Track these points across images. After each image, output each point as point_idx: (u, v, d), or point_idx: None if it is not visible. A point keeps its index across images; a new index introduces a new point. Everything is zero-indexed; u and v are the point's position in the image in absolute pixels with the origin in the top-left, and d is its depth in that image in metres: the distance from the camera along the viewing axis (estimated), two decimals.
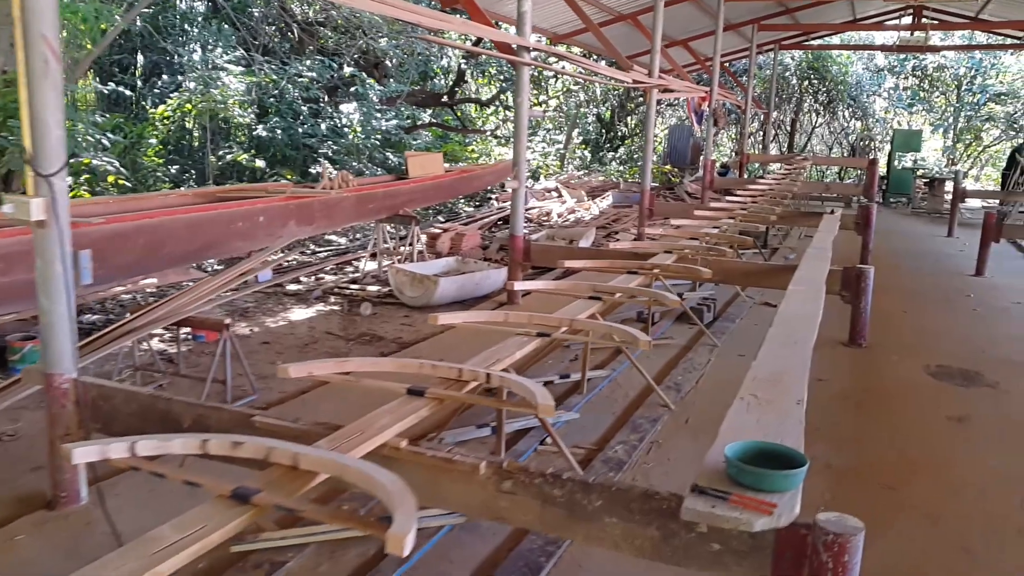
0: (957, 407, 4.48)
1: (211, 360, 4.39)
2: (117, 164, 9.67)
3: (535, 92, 22.19)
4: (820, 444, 3.84)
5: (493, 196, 13.75)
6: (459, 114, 20.95)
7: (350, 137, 13.75)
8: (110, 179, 9.82)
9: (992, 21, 15.42)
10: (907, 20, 15.95)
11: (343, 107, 13.76)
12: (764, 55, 20.33)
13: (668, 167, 21.24)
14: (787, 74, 23.69)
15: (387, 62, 16.89)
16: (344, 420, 2.53)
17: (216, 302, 5.55)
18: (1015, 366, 5.35)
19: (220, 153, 13.22)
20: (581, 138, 24.86)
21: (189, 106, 13.41)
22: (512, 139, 23.29)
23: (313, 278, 7.81)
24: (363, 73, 14.20)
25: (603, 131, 25.16)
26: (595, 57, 17.45)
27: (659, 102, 24.78)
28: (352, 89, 13.88)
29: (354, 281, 7.53)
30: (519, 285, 4.38)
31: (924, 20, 15.34)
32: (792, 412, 2.66)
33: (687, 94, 12.45)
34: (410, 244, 7.60)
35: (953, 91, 23.39)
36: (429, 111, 19.82)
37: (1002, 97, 22.15)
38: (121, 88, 12.06)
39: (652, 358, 5.28)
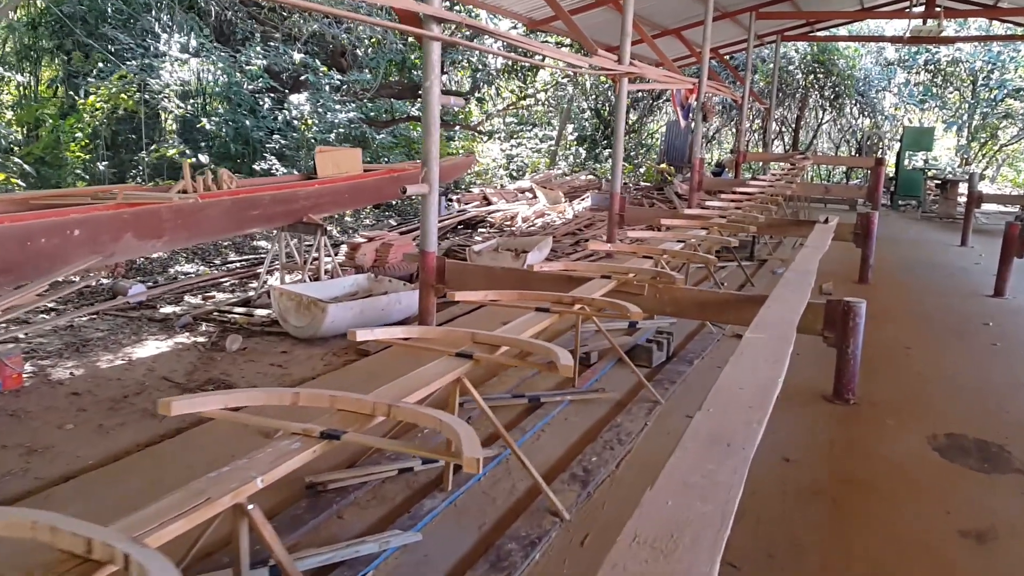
0: (975, 512, 3.19)
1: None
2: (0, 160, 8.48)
3: (520, 86, 20.89)
4: None
5: (455, 197, 12.46)
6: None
7: (302, 131, 12.50)
8: (0, 177, 8.63)
9: (1011, 9, 14.05)
10: (919, 9, 14.65)
11: (293, 98, 12.50)
12: (767, 47, 18.96)
13: (664, 165, 20.01)
14: (791, 67, 22.28)
15: (357, 51, 15.66)
16: None
17: (33, 328, 4.35)
18: None
19: (154, 147, 12.03)
20: (576, 134, 23.48)
21: (124, 96, 12.22)
22: (498, 134, 21.96)
23: (200, 297, 6.58)
24: (316, 61, 12.92)
25: (600, 127, 23.80)
26: (576, 47, 16.16)
27: (658, 96, 23.56)
28: (303, 78, 12.62)
29: (247, 302, 6.28)
30: (362, 334, 3.13)
31: (937, 7, 13.98)
32: None
33: (667, 85, 11.15)
34: (315, 258, 6.34)
35: (968, 86, 21.92)
36: (416, 104, 18.57)
37: (1021, 93, 20.67)
38: (19, 76, 10.83)
39: (572, 420, 4.02)
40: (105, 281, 6.93)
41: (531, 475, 2.99)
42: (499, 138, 21.00)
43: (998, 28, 17.92)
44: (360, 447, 3.41)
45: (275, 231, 6.52)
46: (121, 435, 3.75)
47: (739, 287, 7.68)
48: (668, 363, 5.07)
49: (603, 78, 18.36)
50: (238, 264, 8.14)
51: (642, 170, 21.64)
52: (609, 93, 22.77)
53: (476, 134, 19.94)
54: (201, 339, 5.38)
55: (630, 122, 24.88)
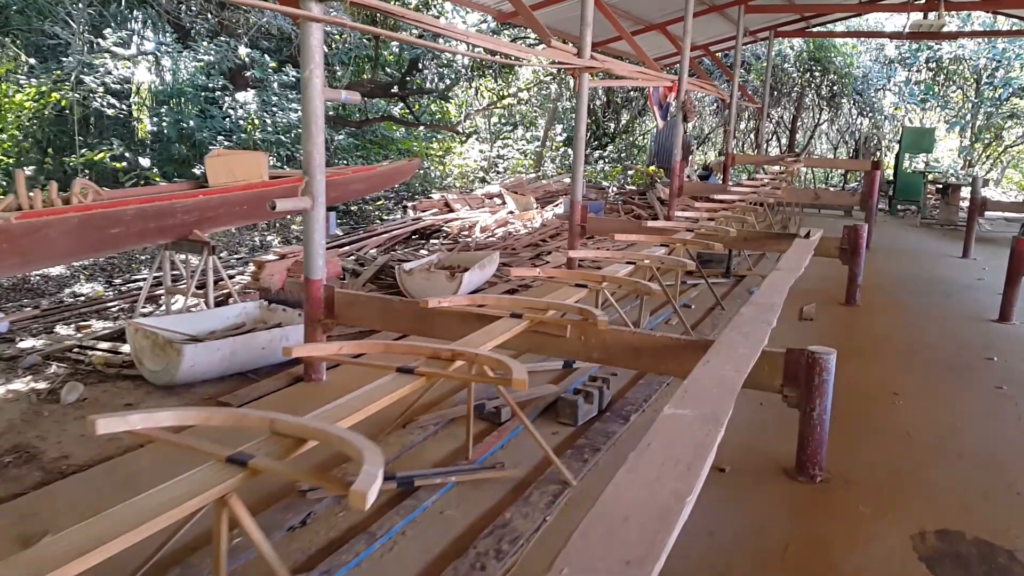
0: None
1: None
2: None
3: (501, 85, 19.95)
4: None
5: (410, 204, 11.52)
6: (417, 107, 18.82)
7: (249, 131, 11.59)
8: None
9: (1013, 1, 13.12)
10: (920, 2, 13.71)
11: (238, 96, 11.60)
12: (761, 44, 18.00)
13: (653, 168, 19.12)
14: (786, 65, 21.33)
15: (326, 48, 14.76)
16: None
17: None
18: None
19: (84, 150, 11.14)
20: (565, 135, 22.55)
21: (56, 95, 11.34)
22: (478, 134, 21.01)
23: (74, 326, 5.66)
24: (265, 57, 12.02)
25: (592, 127, 22.83)
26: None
27: (647, 97, 22.56)
28: (248, 74, 11.71)
29: (121, 334, 5.36)
30: (105, 425, 2.19)
31: None
32: None
33: (639, 82, 10.21)
34: (201, 282, 5.42)
35: (971, 85, 20.95)
36: (398, 105, 17.71)
37: None
38: None
39: (449, 515, 3.09)
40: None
41: None
42: (480, 139, 20.09)
43: (1003, 24, 16.99)
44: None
45: (160, 249, 5.60)
46: None
47: (709, 310, 6.76)
48: (599, 418, 4.13)
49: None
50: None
51: (631, 173, 20.74)
52: (599, 91, 21.80)
53: (455, 135, 19.02)
54: (43, 384, 4.46)
55: (623, 122, 23.96)
